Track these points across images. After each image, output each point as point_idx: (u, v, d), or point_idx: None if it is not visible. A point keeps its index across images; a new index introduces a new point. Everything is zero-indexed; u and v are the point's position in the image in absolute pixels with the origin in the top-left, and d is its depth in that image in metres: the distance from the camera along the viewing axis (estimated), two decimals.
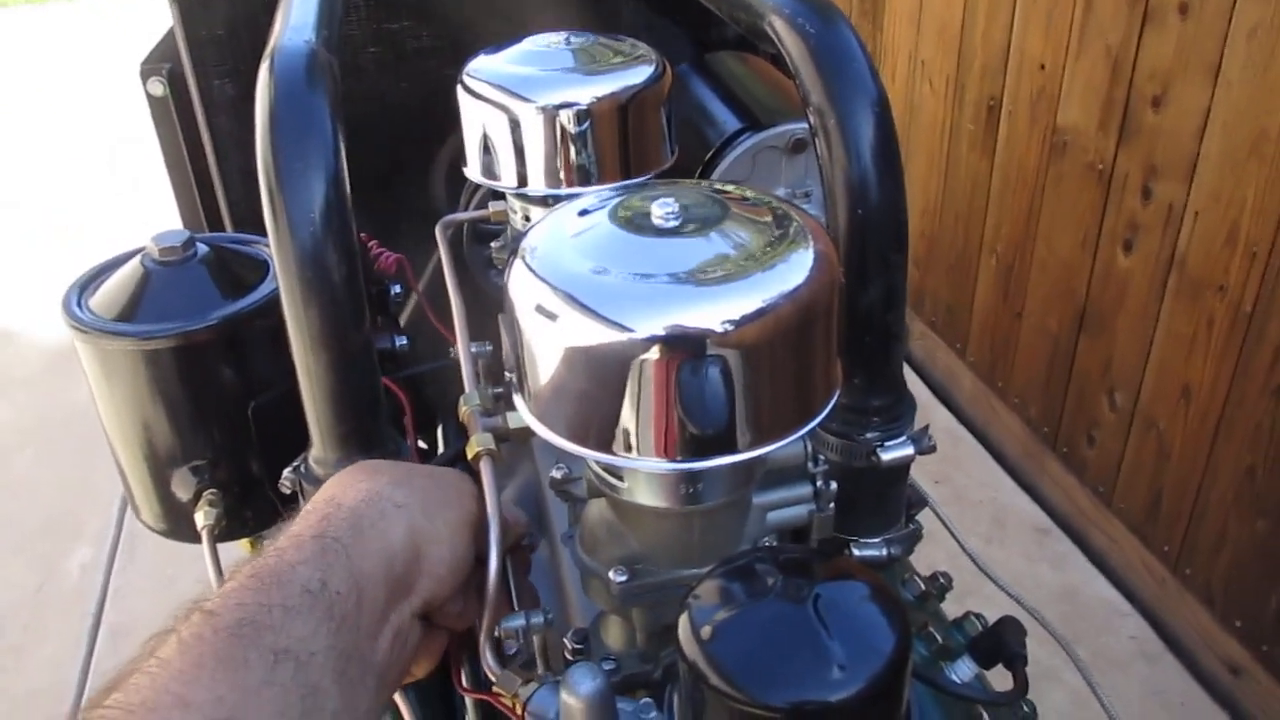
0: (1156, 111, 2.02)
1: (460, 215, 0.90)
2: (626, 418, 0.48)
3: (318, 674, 0.50)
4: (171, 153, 1.30)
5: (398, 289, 1.00)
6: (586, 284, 0.48)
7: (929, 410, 2.84)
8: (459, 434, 1.08)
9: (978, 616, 0.85)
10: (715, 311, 0.46)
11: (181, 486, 0.84)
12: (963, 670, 0.78)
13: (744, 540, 0.61)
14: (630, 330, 0.46)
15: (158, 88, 1.26)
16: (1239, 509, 1.98)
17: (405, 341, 0.93)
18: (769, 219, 0.52)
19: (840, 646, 0.39)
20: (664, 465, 0.48)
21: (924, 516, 0.87)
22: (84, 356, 0.80)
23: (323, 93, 0.68)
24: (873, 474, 0.72)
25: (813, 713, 0.38)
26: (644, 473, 0.53)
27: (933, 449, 0.73)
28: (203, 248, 0.82)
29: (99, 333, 0.78)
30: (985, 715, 0.70)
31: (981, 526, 2.49)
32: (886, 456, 0.71)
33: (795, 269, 0.49)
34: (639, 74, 0.77)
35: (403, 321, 1.06)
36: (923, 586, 0.88)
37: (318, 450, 0.70)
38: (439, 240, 0.86)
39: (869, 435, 0.71)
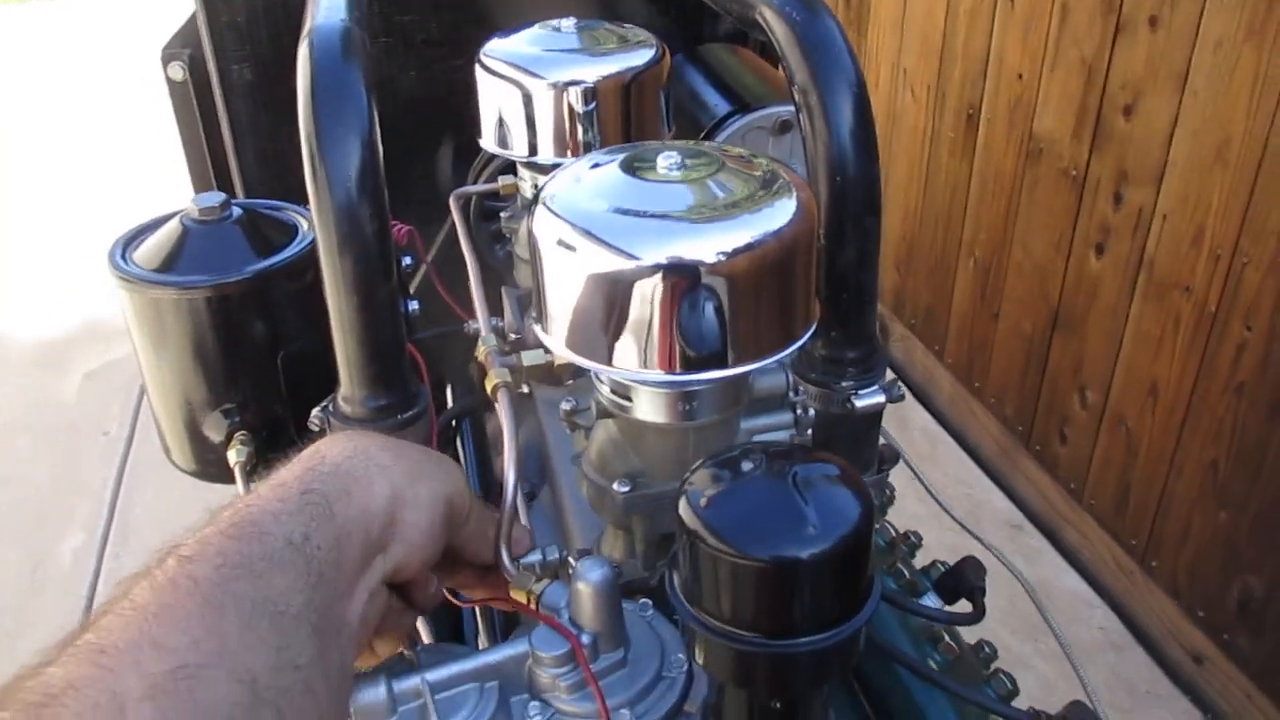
0: (1127, 119, 2.12)
1: (472, 188, 0.99)
2: (635, 337, 0.56)
3: (293, 627, 0.49)
4: (189, 136, 1.38)
5: (408, 260, 1.08)
6: (600, 220, 0.56)
7: (908, 410, 2.93)
8: (466, 394, 1.16)
9: (943, 564, 0.94)
10: (710, 245, 0.55)
11: (213, 429, 0.91)
12: (928, 603, 0.87)
13: None
14: (638, 259, 0.54)
15: (178, 72, 1.33)
16: (1202, 502, 2.07)
17: (416, 306, 1.01)
18: (759, 173, 0.61)
19: (814, 512, 0.47)
20: (666, 378, 0.56)
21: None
22: (127, 306, 0.88)
23: (357, 65, 0.76)
24: (848, 420, 0.81)
25: (789, 564, 0.46)
26: (647, 392, 0.62)
27: (901, 398, 0.81)
28: (237, 210, 0.90)
29: (142, 282, 0.85)
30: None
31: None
32: (860, 404, 0.80)
33: (780, 213, 0.57)
34: (640, 56, 0.86)
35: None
36: (894, 534, 0.97)
37: (346, 389, 0.78)
38: (453, 209, 0.95)
39: (844, 384, 0.80)
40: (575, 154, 0.85)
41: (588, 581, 0.58)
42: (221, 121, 1.30)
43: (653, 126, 0.88)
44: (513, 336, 0.88)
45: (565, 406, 0.71)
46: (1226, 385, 1.98)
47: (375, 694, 0.57)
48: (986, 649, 0.92)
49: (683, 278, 0.54)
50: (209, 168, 1.38)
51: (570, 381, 0.76)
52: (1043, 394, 2.52)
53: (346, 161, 0.72)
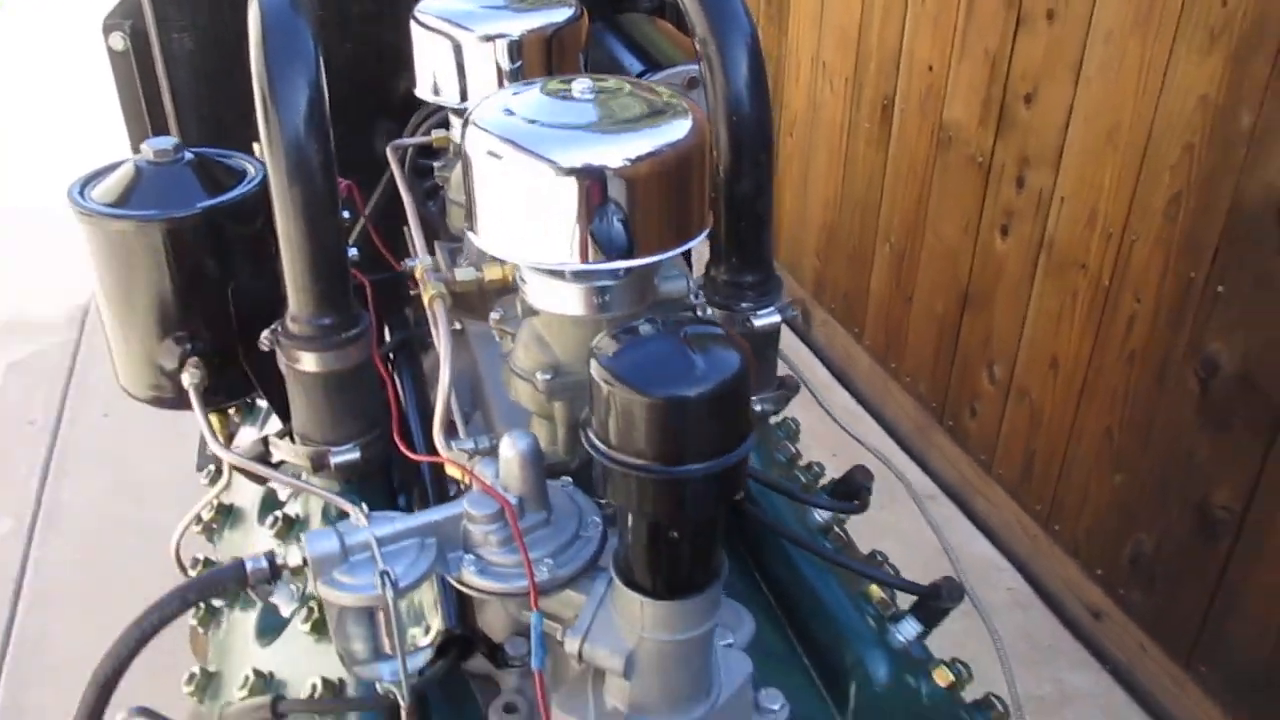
0: (1028, 108, 2.29)
1: (408, 140, 1.08)
2: (554, 232, 0.66)
3: None
4: (130, 104, 1.45)
5: (346, 214, 1.17)
6: (522, 132, 0.66)
7: (829, 391, 3.07)
8: (403, 330, 1.25)
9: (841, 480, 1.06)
10: (617, 151, 0.65)
11: (167, 356, 0.99)
12: (820, 513, 0.98)
13: None
14: (555, 163, 0.65)
15: (119, 42, 1.40)
16: (1099, 467, 2.24)
17: (355, 252, 1.10)
18: (661, 99, 0.71)
19: (700, 361, 0.58)
20: (581, 267, 0.67)
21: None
22: (87, 239, 0.96)
23: (304, 17, 0.85)
24: (748, 339, 0.92)
25: (679, 401, 0.56)
26: (564, 287, 0.72)
27: (796, 317, 0.93)
28: (188, 154, 0.99)
29: (102, 216, 0.93)
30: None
31: (874, 496, 2.72)
32: (759, 323, 0.91)
33: (676, 129, 0.68)
34: (561, 14, 0.97)
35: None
36: (794, 451, 1.08)
37: (294, 308, 0.87)
38: (390, 158, 1.04)
39: (744, 305, 0.91)
40: None
41: (515, 450, 0.68)
42: (162, 88, 1.38)
43: (572, 67, 0.99)
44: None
45: (494, 315, 0.81)
46: (1119, 355, 2.14)
47: (330, 545, 0.66)
48: (879, 555, 1.04)
49: (593, 179, 0.65)
50: (149, 134, 1.45)
51: (494, 315, 0.86)
52: (954, 371, 2.68)
53: (296, 101, 0.81)
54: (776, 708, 0.77)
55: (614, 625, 0.68)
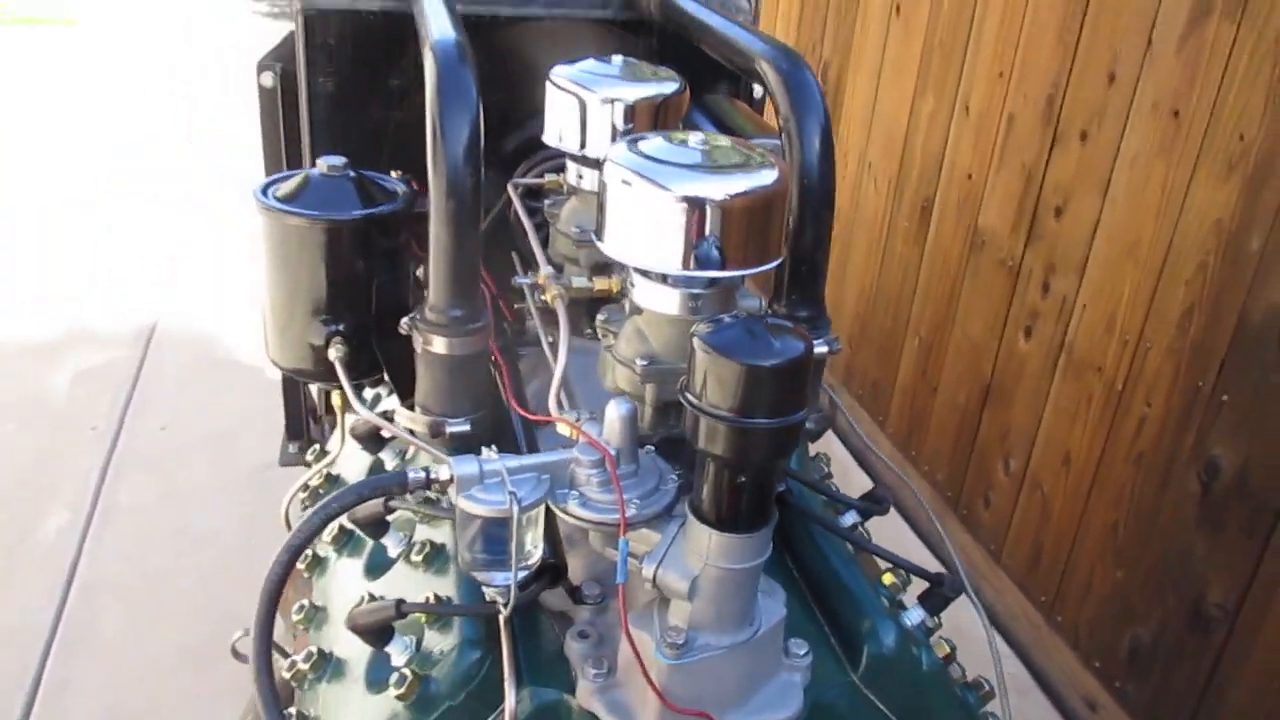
0: (1058, 219, 2.52)
1: (525, 180, 1.32)
2: (666, 244, 0.88)
3: None
4: (270, 137, 1.70)
5: None
6: (649, 166, 0.89)
7: (853, 475, 3.25)
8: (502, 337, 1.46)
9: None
10: (720, 187, 0.87)
11: (316, 334, 1.21)
12: (846, 519, 1.18)
13: None
14: (670, 191, 0.87)
15: (269, 80, 1.66)
16: (1103, 561, 2.41)
17: None
18: (755, 153, 0.94)
19: (776, 343, 0.78)
20: (682, 274, 0.88)
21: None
22: (265, 231, 1.19)
23: (470, 67, 1.09)
24: None
25: (757, 369, 0.77)
26: (666, 291, 0.93)
27: (840, 349, 1.14)
28: (352, 172, 1.22)
29: (281, 211, 1.17)
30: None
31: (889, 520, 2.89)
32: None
33: (766, 176, 0.90)
34: (669, 86, 1.20)
35: None
36: (827, 472, 1.28)
37: (433, 299, 1.08)
38: (511, 194, 1.27)
39: None
40: None
41: (618, 412, 0.89)
42: (303, 121, 1.62)
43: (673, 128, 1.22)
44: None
45: (601, 317, 1.03)
46: (1128, 455, 2.33)
47: (471, 468, 0.86)
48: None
49: (699, 207, 0.87)
50: (283, 159, 1.70)
51: (601, 317, 1.07)
52: (972, 462, 2.86)
53: (459, 135, 1.04)
54: (802, 654, 0.96)
55: (683, 557, 0.88)
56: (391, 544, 1.12)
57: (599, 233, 0.94)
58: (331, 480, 1.37)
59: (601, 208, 0.92)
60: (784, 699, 0.93)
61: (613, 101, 1.17)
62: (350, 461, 1.34)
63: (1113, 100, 2.35)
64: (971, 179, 2.81)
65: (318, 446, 1.46)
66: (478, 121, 1.05)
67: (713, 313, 0.94)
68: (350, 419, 1.31)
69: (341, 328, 1.21)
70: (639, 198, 0.89)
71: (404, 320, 1.11)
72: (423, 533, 1.10)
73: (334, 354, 1.20)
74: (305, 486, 1.36)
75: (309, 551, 1.28)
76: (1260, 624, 2.05)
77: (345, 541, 1.21)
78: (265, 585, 0.84)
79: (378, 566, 1.12)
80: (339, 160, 1.22)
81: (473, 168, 1.04)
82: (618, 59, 1.24)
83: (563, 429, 0.94)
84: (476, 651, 0.95)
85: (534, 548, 0.90)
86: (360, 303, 1.22)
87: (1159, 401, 2.25)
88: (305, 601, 1.19)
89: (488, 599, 0.93)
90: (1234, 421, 2.08)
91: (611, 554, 0.92)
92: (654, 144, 0.93)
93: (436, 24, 1.16)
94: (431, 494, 1.00)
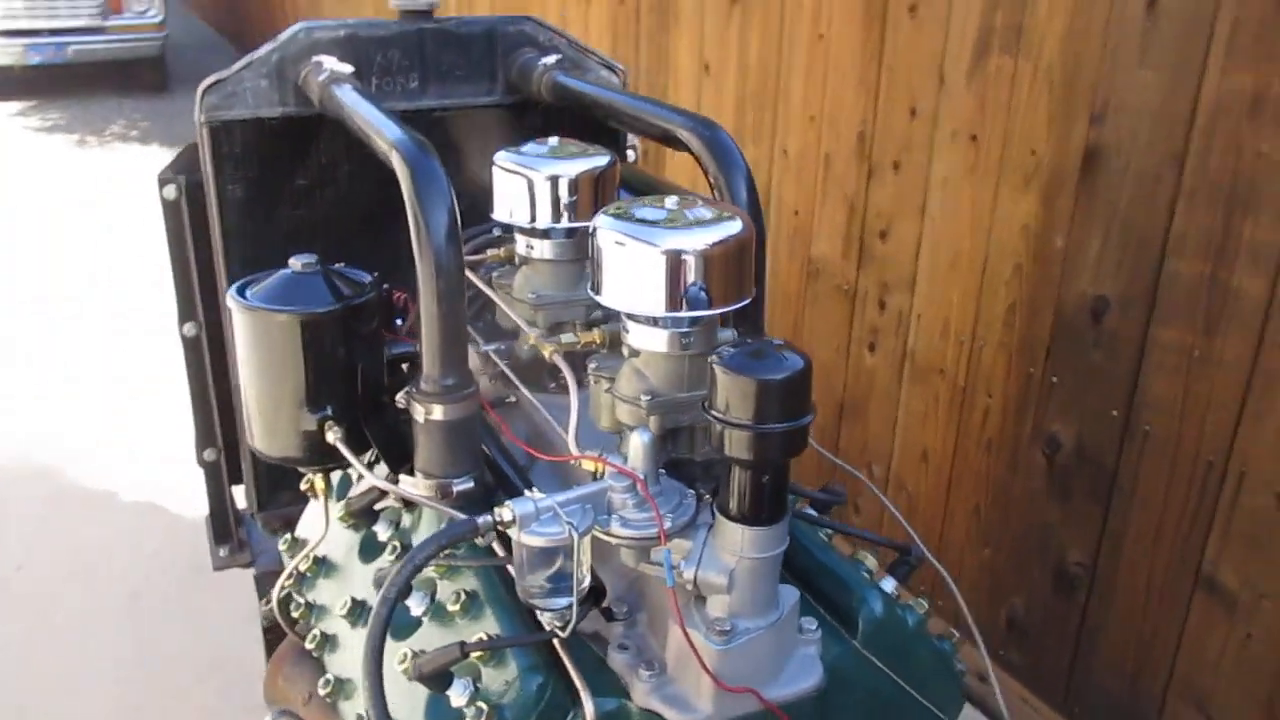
0: (884, 242, 2.83)
1: (475, 257, 1.46)
2: (655, 292, 1.05)
3: None
4: (177, 248, 1.77)
5: (399, 320, 1.53)
6: (638, 228, 1.06)
7: None
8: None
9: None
10: (699, 239, 1.06)
11: (306, 421, 1.31)
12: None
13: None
14: (658, 246, 1.05)
15: (172, 192, 1.74)
16: (971, 543, 2.70)
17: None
18: (721, 210, 1.13)
19: (784, 361, 0.96)
20: (673, 315, 1.06)
21: None
22: (245, 330, 1.29)
23: (434, 158, 1.23)
24: None
25: (770, 383, 0.95)
26: (659, 333, 1.10)
27: None
28: (322, 268, 1.34)
29: (265, 310, 1.27)
30: None
31: None
32: None
33: (735, 226, 1.09)
34: (603, 159, 1.38)
35: None
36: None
37: (428, 370, 1.21)
38: (470, 274, 1.42)
39: None
40: (558, 222, 1.36)
41: (642, 440, 1.05)
42: (213, 230, 1.71)
43: (609, 199, 1.40)
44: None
45: (592, 365, 1.19)
46: (978, 444, 2.64)
47: (528, 507, 1.00)
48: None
49: (684, 257, 1.05)
50: (193, 276, 1.77)
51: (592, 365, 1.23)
52: (837, 474, 3.13)
53: (439, 222, 1.19)
54: (813, 629, 1.14)
55: (717, 556, 1.04)
56: (414, 604, 1.23)
57: (596, 289, 1.11)
58: (319, 563, 1.45)
59: (597, 267, 1.09)
60: (807, 669, 1.11)
61: (556, 179, 1.34)
62: (336, 541, 1.43)
63: (916, 132, 2.69)
64: (799, 214, 3.11)
65: (290, 536, 1.54)
66: (453, 206, 1.20)
67: (702, 347, 1.12)
68: (340, 498, 1.41)
69: (330, 411, 1.31)
70: (632, 255, 1.06)
71: (400, 395, 1.23)
72: (445, 588, 1.22)
73: (333, 436, 1.30)
74: (293, 574, 1.44)
75: (317, 631, 1.37)
76: (1115, 574, 2.37)
77: (358, 614, 1.31)
78: (369, 646, 0.94)
79: (406, 627, 1.23)
80: (311, 258, 1.33)
81: (455, 249, 1.18)
82: (553, 140, 1.41)
83: (588, 465, 1.09)
84: (538, 676, 1.08)
85: (585, 573, 1.05)
86: (346, 386, 1.33)
87: (998, 392, 2.57)
88: (329, 677, 1.28)
89: (546, 627, 1.06)
90: (1065, 399, 2.41)
91: (647, 568, 1.07)
92: (636, 209, 1.10)
93: (387, 127, 1.30)
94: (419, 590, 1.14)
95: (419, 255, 1.17)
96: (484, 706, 1.05)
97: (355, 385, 1.35)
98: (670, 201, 1.10)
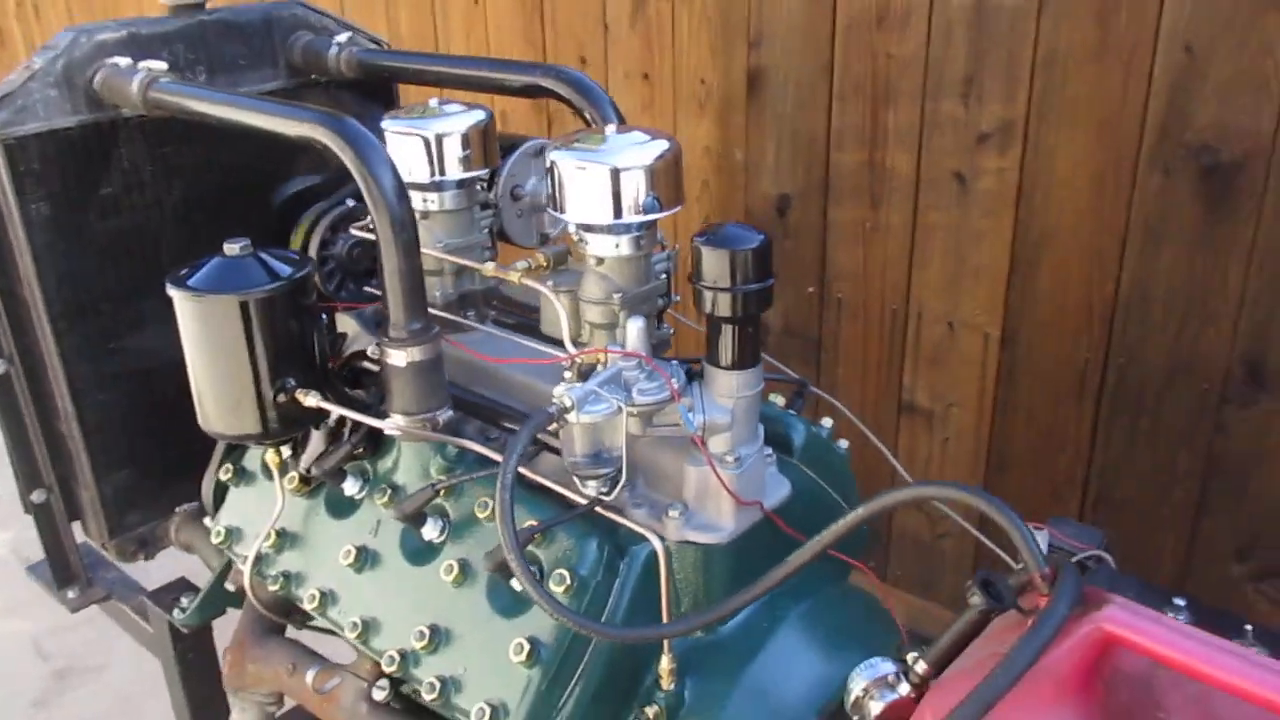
0: None
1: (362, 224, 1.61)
2: (617, 205, 1.30)
3: None
4: None
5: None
6: (595, 152, 1.30)
7: None
8: None
9: None
10: (648, 154, 1.32)
11: (269, 394, 1.41)
12: None
13: None
14: (616, 165, 1.30)
15: None
16: None
17: None
18: (648, 131, 1.38)
19: (747, 236, 1.25)
20: (636, 220, 1.31)
21: None
22: (194, 318, 1.36)
23: (355, 119, 1.37)
24: None
25: (748, 251, 1.23)
26: (623, 239, 1.34)
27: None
28: (254, 251, 1.42)
29: (218, 294, 1.35)
30: None
31: None
32: None
33: (667, 142, 1.35)
34: (481, 112, 1.58)
35: None
36: None
37: (396, 319, 1.36)
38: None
39: None
40: (455, 174, 1.54)
41: (636, 324, 1.30)
42: (18, 250, 1.67)
43: (493, 149, 1.60)
44: None
45: (550, 282, 1.40)
46: None
47: (580, 391, 1.21)
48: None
49: (641, 170, 1.30)
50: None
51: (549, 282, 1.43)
52: None
53: (385, 178, 1.35)
54: (769, 454, 1.44)
55: (715, 402, 1.32)
56: (430, 532, 1.39)
57: (559, 209, 1.33)
58: (281, 536, 1.53)
59: (561, 190, 1.31)
60: (778, 484, 1.42)
61: (449, 134, 1.53)
62: (289, 513, 1.53)
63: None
64: None
65: (221, 529, 1.60)
66: (391, 161, 1.35)
67: (650, 248, 1.38)
68: (293, 470, 1.50)
69: (294, 381, 1.41)
70: (594, 176, 1.30)
71: (371, 347, 1.38)
72: (461, 507, 1.40)
73: (311, 401, 1.40)
74: (259, 555, 1.52)
75: (313, 591, 1.47)
76: None
77: (365, 559, 1.44)
78: (501, 501, 1.11)
79: (429, 550, 1.39)
80: (244, 241, 1.41)
81: (407, 204, 1.34)
82: (431, 102, 1.57)
83: (591, 357, 1.31)
84: (592, 538, 1.30)
85: (620, 446, 1.28)
86: (306, 356, 1.43)
87: None
88: (354, 619, 1.41)
89: (590, 495, 1.28)
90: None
91: (656, 430, 1.32)
92: (582, 139, 1.33)
93: (291, 111, 1.41)
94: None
95: (376, 216, 1.32)
96: (566, 575, 1.25)
97: (314, 354, 1.45)
98: (609, 130, 1.34)
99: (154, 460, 1.85)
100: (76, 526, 1.90)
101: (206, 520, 1.72)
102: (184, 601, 1.79)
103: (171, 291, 1.38)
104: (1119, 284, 2.32)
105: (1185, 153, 2.15)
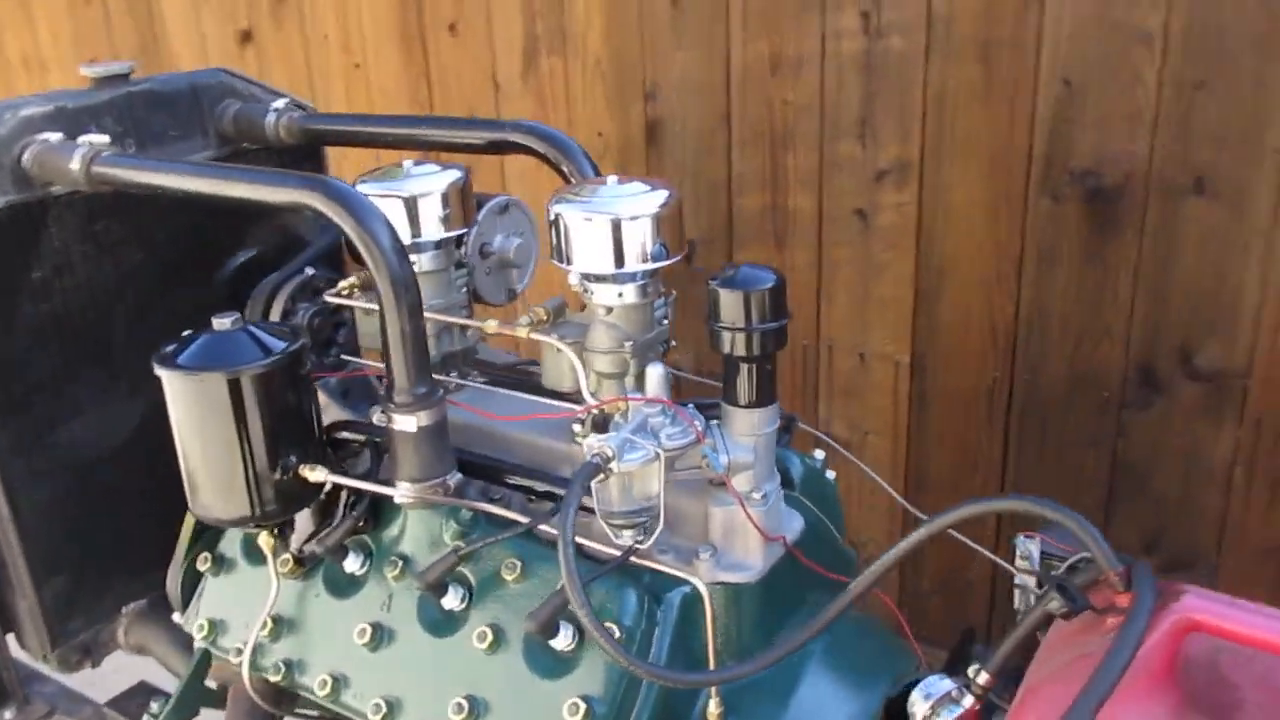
0: None
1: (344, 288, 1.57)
2: (629, 252, 1.32)
3: None
4: None
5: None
6: (600, 204, 1.32)
7: None
8: None
9: None
10: (650, 203, 1.34)
11: (270, 472, 1.35)
12: None
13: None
14: (621, 216, 1.32)
15: None
16: None
17: None
18: (644, 183, 1.40)
19: (762, 277, 1.29)
20: (643, 268, 1.34)
21: None
22: (184, 396, 1.30)
23: (360, 194, 1.34)
24: None
25: (759, 292, 1.27)
26: (629, 288, 1.36)
27: None
28: (242, 325, 1.37)
29: (211, 371, 1.30)
30: None
31: None
32: None
33: (665, 192, 1.38)
34: (457, 171, 1.57)
35: None
36: None
37: (400, 384, 1.33)
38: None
39: None
40: (433, 235, 1.52)
41: (657, 372, 1.31)
42: None
43: (470, 208, 1.58)
44: None
45: (556, 335, 1.40)
46: None
47: (617, 440, 1.21)
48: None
49: (646, 221, 1.32)
50: None
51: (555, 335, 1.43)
52: None
53: (385, 241, 1.33)
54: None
55: (736, 442, 1.34)
56: (451, 601, 1.36)
57: (566, 260, 1.34)
58: (277, 622, 1.46)
59: (567, 241, 1.32)
60: (793, 518, 1.45)
61: (427, 195, 1.51)
62: (287, 596, 1.46)
63: None
64: None
65: (204, 622, 1.52)
66: (390, 225, 1.33)
67: (656, 295, 1.40)
68: (284, 552, 1.44)
69: (295, 458, 1.36)
70: (599, 227, 1.31)
71: (376, 414, 1.34)
72: (482, 569, 1.37)
73: (317, 476, 1.35)
74: (256, 647, 1.44)
75: (324, 677, 1.41)
76: None
77: (380, 636, 1.39)
78: (565, 559, 1.10)
79: (454, 620, 1.36)
80: (233, 315, 1.35)
81: (407, 265, 1.32)
82: (406, 163, 1.55)
83: (610, 407, 1.32)
84: (629, 588, 1.29)
85: (656, 495, 1.28)
86: (306, 429, 1.37)
87: None
88: (377, 702, 1.36)
89: (626, 544, 1.28)
90: (679, 334, 2.92)
91: (679, 475, 1.33)
92: (584, 190, 1.34)
93: (273, 177, 1.37)
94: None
95: (377, 278, 1.29)
96: (612, 626, 1.24)
97: (313, 428, 1.40)
98: (612, 179, 1.36)
99: (97, 558, 1.74)
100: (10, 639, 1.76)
101: (175, 616, 1.62)
102: (154, 707, 1.67)
103: (160, 371, 1.31)
104: (1018, 305, 2.47)
105: (1070, 179, 2.32)
